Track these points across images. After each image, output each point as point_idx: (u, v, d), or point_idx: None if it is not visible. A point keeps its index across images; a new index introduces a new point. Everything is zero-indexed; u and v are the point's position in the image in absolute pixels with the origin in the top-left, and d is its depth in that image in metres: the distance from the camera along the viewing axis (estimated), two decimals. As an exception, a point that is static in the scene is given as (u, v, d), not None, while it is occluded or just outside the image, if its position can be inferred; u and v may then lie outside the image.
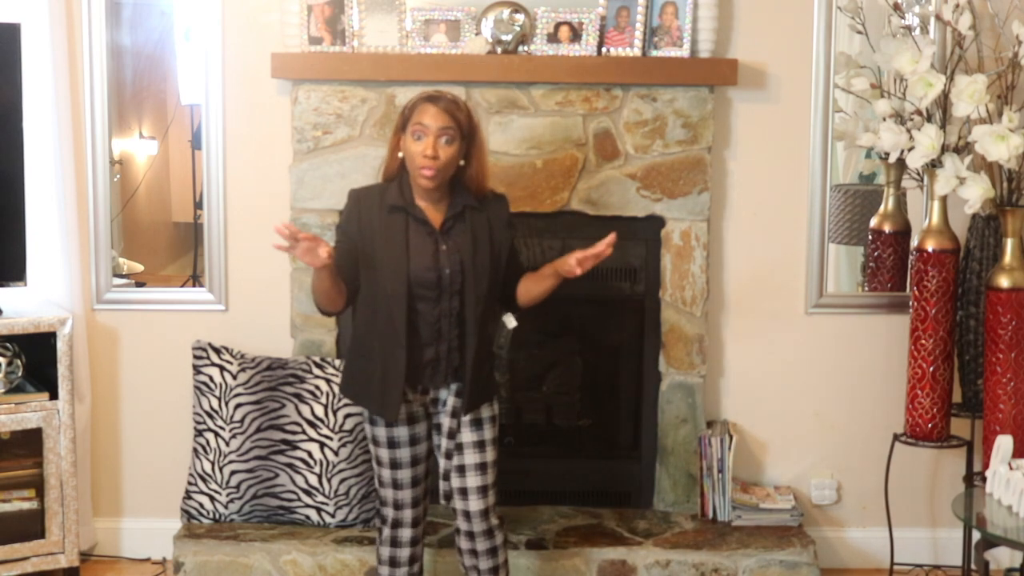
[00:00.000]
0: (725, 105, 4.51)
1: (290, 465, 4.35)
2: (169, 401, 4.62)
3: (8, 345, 4.28)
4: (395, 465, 3.72)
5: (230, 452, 4.37)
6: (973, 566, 4.22)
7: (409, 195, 3.62)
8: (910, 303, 4.36)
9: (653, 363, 4.56)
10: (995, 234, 4.32)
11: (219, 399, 4.39)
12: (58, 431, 4.30)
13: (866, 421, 4.66)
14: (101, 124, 4.51)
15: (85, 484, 4.56)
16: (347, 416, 4.34)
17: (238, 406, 4.37)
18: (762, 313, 4.63)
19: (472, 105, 3.88)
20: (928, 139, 4.13)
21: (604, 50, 4.38)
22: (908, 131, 4.20)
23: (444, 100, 3.57)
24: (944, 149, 4.17)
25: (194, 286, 4.70)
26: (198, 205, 4.70)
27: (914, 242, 4.41)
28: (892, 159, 4.33)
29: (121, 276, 4.69)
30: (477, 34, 4.39)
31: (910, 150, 4.18)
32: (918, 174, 4.45)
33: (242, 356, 4.45)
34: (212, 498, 4.40)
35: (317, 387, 4.36)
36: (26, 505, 4.34)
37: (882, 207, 4.63)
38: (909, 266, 4.51)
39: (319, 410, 4.35)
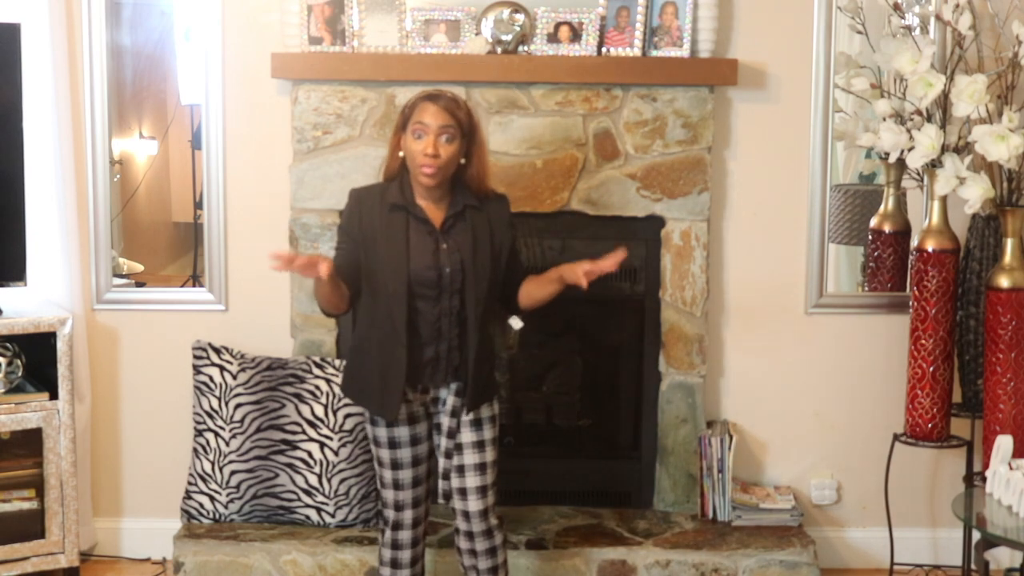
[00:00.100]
0: (725, 105, 4.51)
1: (290, 465, 4.35)
2: (169, 401, 4.62)
3: (8, 345, 4.28)
4: (396, 465, 3.72)
5: (230, 452, 4.37)
6: (973, 566, 4.22)
7: (410, 194, 3.62)
8: (910, 303, 4.36)
9: (653, 363, 4.56)
10: (995, 234, 4.32)
11: (219, 399, 4.39)
12: (58, 431, 4.30)
13: (866, 421, 4.66)
14: (101, 124, 4.51)
15: (85, 484, 4.56)
16: (347, 416, 4.34)
17: (238, 406, 4.37)
18: (762, 313, 4.63)
19: (472, 105, 3.88)
20: (928, 139, 4.13)
21: (604, 50, 4.38)
22: (908, 131, 4.20)
23: (444, 99, 3.58)
24: (944, 149, 4.17)
25: (194, 286, 4.70)
26: (198, 205, 4.70)
27: (914, 242, 4.41)
28: (892, 159, 4.33)
29: (121, 276, 4.69)
30: (477, 34, 4.39)
31: (910, 150, 4.18)
32: (918, 174, 4.45)
33: (242, 356, 4.45)
34: (212, 498, 4.40)
35: (317, 387, 4.36)
36: (26, 505, 4.34)
37: (882, 207, 4.63)
38: (909, 266, 4.51)
39: (319, 410, 4.35)
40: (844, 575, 4.68)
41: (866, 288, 4.70)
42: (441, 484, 3.74)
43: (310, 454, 4.34)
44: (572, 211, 4.45)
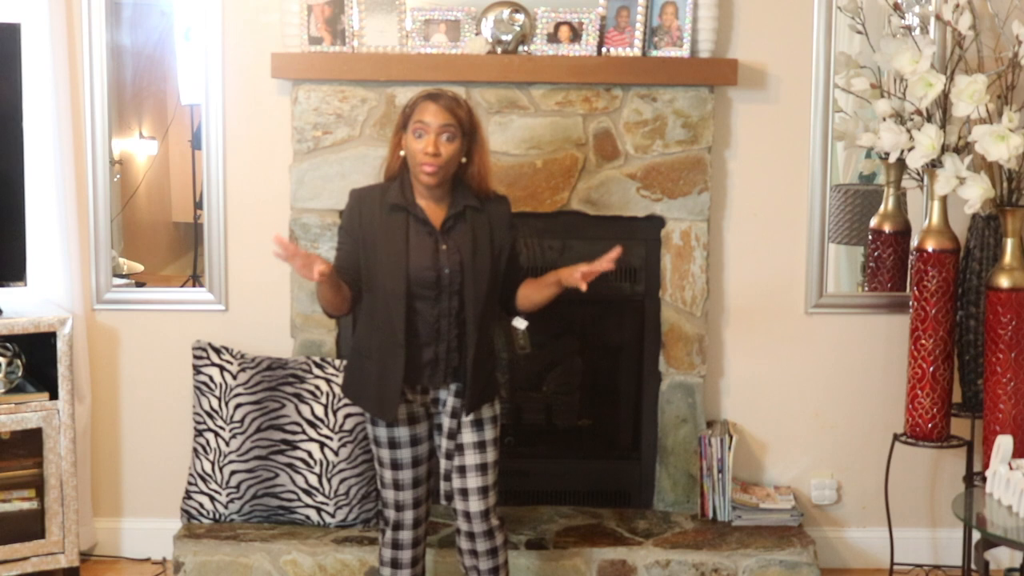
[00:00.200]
0: (725, 105, 4.51)
1: (290, 465, 4.35)
2: (169, 401, 4.62)
3: (8, 345, 4.28)
4: (396, 466, 3.72)
5: (230, 452, 4.37)
6: (973, 566, 4.22)
7: (410, 194, 3.62)
8: (910, 303, 4.36)
9: (653, 363, 4.56)
10: (995, 234, 4.32)
11: (219, 399, 4.39)
12: (58, 431, 4.30)
13: (866, 421, 4.66)
14: (101, 124, 4.51)
15: (85, 484, 4.56)
16: (347, 416, 4.34)
17: (238, 406, 4.37)
18: (762, 313, 4.63)
19: (472, 105, 3.88)
20: (928, 139, 4.13)
21: (604, 50, 4.38)
22: (908, 131, 4.20)
23: (445, 98, 3.58)
24: (944, 149, 4.17)
25: (194, 286, 4.70)
26: (198, 205, 4.70)
27: (914, 242, 4.41)
28: (892, 159, 4.33)
29: (121, 276, 4.69)
30: (477, 34, 4.39)
31: (910, 150, 4.18)
32: (918, 174, 4.45)
33: (242, 356, 4.45)
34: (212, 498, 4.40)
35: (317, 387, 4.36)
36: (26, 505, 4.34)
37: (882, 207, 4.63)
38: (909, 266, 4.51)
39: (319, 410, 4.35)
40: (844, 575, 4.68)
41: (866, 288, 4.70)
42: (442, 485, 3.75)
43: (310, 454, 4.34)
44: (572, 211, 4.45)
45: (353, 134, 4.40)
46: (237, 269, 4.59)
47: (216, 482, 4.39)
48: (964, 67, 4.25)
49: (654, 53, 4.38)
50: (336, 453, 4.33)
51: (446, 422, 3.70)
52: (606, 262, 3.58)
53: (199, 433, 4.42)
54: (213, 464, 4.39)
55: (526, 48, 4.39)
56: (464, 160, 3.61)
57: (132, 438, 4.68)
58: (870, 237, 4.66)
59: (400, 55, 4.35)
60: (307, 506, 4.36)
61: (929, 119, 4.20)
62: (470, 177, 3.64)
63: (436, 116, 3.53)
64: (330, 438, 4.34)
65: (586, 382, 4.86)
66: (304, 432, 4.35)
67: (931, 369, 4.27)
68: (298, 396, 4.36)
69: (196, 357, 4.45)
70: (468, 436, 3.70)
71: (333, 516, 4.36)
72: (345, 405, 4.32)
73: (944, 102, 4.19)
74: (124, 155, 4.74)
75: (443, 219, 3.62)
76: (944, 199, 4.27)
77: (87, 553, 4.62)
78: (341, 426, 4.34)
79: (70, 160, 4.45)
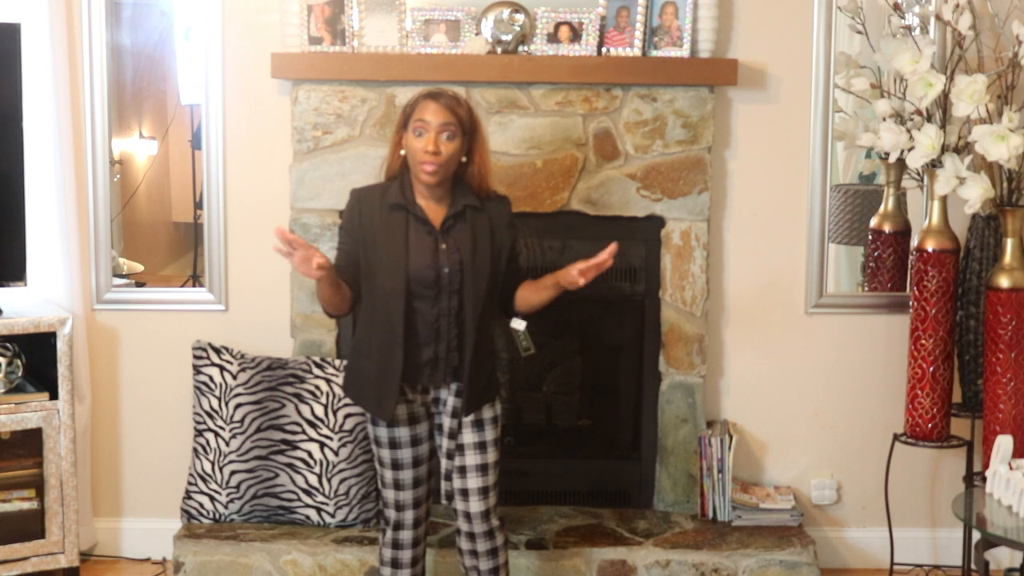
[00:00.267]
0: (725, 105, 4.51)
1: (290, 465, 4.35)
2: (169, 401, 4.62)
3: (8, 345, 4.28)
4: (396, 466, 3.72)
5: (230, 452, 4.37)
6: (973, 566, 4.22)
7: (410, 194, 3.62)
8: (910, 303, 4.36)
9: (653, 363, 4.56)
10: (995, 234, 4.32)
11: (219, 399, 4.39)
12: (58, 431, 4.30)
13: (866, 421, 4.66)
14: (101, 124, 4.51)
15: (85, 484, 4.56)
16: (347, 416, 4.34)
17: (238, 406, 4.37)
18: (762, 313, 4.63)
19: (472, 104, 3.88)
20: (928, 139, 4.13)
21: (604, 50, 4.38)
22: (908, 131, 4.20)
23: (445, 97, 3.58)
24: (944, 149, 4.17)
25: (194, 286, 4.70)
26: (198, 205, 4.70)
27: (914, 242, 4.41)
28: (892, 159, 4.33)
29: (121, 276, 4.69)
30: (477, 34, 4.39)
31: (910, 150, 4.18)
32: (918, 174, 4.45)
33: (242, 356, 4.45)
34: (212, 498, 4.40)
35: (317, 387, 4.36)
36: (26, 505, 4.34)
37: (882, 207, 4.63)
38: (909, 266, 4.51)
39: (319, 410, 4.35)
40: (844, 575, 4.68)
41: (866, 288, 4.70)
42: (443, 485, 3.75)
43: (310, 454, 4.34)
44: (572, 211, 4.45)
45: (353, 134, 4.40)
46: (237, 269, 4.59)
47: (216, 482, 4.39)
48: (964, 67, 4.25)
49: (654, 53, 4.38)
50: (336, 453, 4.33)
51: (446, 422, 3.70)
52: (604, 255, 3.57)
53: (199, 433, 4.42)
54: (213, 464, 4.39)
55: (526, 48, 4.39)
56: (464, 159, 3.61)
57: (132, 438, 4.68)
58: (870, 237, 4.66)
59: (400, 55, 4.35)
60: (307, 506, 4.36)
61: (929, 119, 4.20)
62: (470, 176, 3.64)
63: (436, 115, 3.53)
64: (330, 438, 4.34)
65: (586, 382, 4.86)
66: (304, 432, 4.35)
67: (931, 369, 4.27)
68: (298, 396, 4.36)
69: (196, 357, 4.45)
70: (469, 436, 3.70)
71: (333, 516, 4.36)
72: (345, 405, 4.32)
73: (944, 102, 4.19)
74: (124, 155, 4.74)
75: (443, 218, 3.62)
76: (944, 199, 4.27)
77: (87, 553, 4.62)
78: (341, 426, 4.34)
79: (70, 160, 4.45)
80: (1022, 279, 4.16)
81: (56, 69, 4.39)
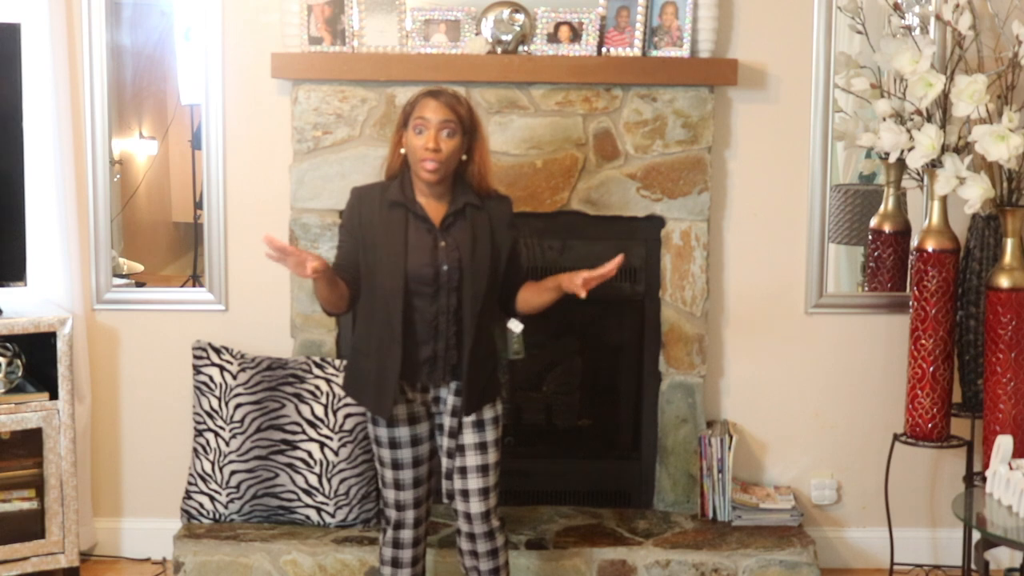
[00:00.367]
0: (725, 105, 4.51)
1: (290, 465, 4.35)
2: (169, 401, 4.62)
3: (8, 345, 4.28)
4: (396, 466, 3.72)
5: (230, 452, 4.37)
6: (973, 566, 4.22)
7: (410, 192, 3.62)
8: (910, 303, 4.36)
9: (653, 363, 4.56)
10: (995, 234, 4.33)
11: (219, 399, 4.39)
12: (58, 431, 4.30)
13: (866, 421, 4.66)
14: (101, 124, 4.51)
15: (85, 484, 4.56)
16: (347, 416, 4.34)
17: (238, 406, 4.37)
18: (762, 313, 4.63)
19: (472, 104, 3.88)
20: (928, 139, 4.13)
21: (604, 50, 4.38)
22: (908, 131, 4.20)
23: (445, 95, 3.59)
24: (944, 149, 4.17)
25: (194, 286, 4.70)
26: (198, 205, 4.70)
27: (914, 242, 4.41)
28: (892, 159, 4.33)
29: (121, 276, 4.69)
30: (477, 34, 4.39)
31: (910, 150, 4.18)
32: (918, 174, 4.45)
33: (242, 356, 4.45)
34: (212, 498, 4.40)
35: (317, 387, 4.36)
36: (26, 505, 4.34)
37: (882, 207, 4.63)
38: (909, 266, 4.51)
39: (319, 410, 4.35)
40: (844, 575, 4.68)
41: (866, 288, 4.70)
42: (444, 484, 3.75)
43: (310, 454, 4.34)
44: (572, 211, 4.45)
45: (353, 134, 4.40)
46: (237, 269, 4.59)
47: (216, 482, 4.39)
48: (964, 67, 4.25)
49: (654, 53, 4.38)
50: (336, 453, 4.33)
51: (447, 421, 3.70)
52: (608, 268, 3.57)
53: (199, 433, 4.42)
54: (213, 464, 4.39)
55: (526, 48, 4.39)
56: (464, 158, 3.62)
57: (132, 438, 4.68)
58: (870, 237, 4.66)
59: (400, 55, 4.35)
60: (307, 506, 4.36)
61: (929, 119, 4.20)
62: (471, 175, 3.64)
63: (436, 112, 3.54)
64: (330, 438, 4.34)
65: (586, 382, 4.86)
66: (304, 432, 4.35)
67: (931, 369, 4.27)
68: (298, 396, 4.36)
69: (196, 357, 4.45)
70: (469, 437, 3.70)
71: (333, 516, 4.36)
72: (345, 405, 4.32)
73: (944, 102, 4.19)
74: (124, 155, 4.74)
75: (443, 216, 3.62)
76: (944, 199, 4.27)
77: (87, 553, 4.62)
78: (341, 426, 4.34)
79: (70, 160, 4.45)
80: (1022, 279, 4.16)
81: (56, 69, 4.39)
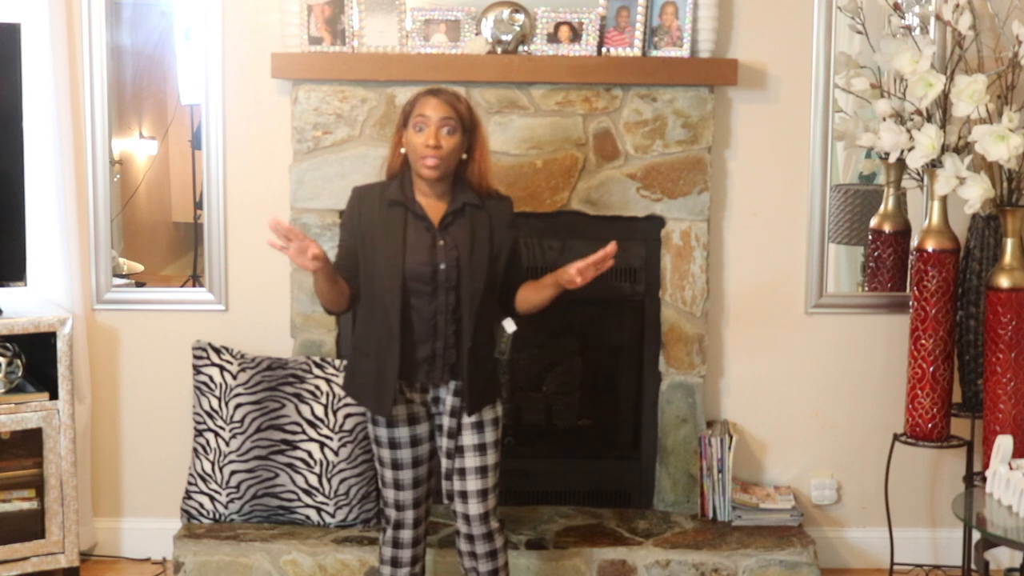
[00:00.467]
0: (725, 105, 4.51)
1: (290, 465, 4.35)
2: (169, 401, 4.62)
3: (8, 345, 4.28)
4: (396, 466, 3.72)
5: (230, 452, 4.37)
6: (973, 566, 4.22)
7: (410, 191, 3.62)
8: (910, 303, 4.36)
9: (653, 363, 4.56)
10: (995, 234, 4.33)
11: (219, 399, 4.39)
12: (58, 431, 4.30)
13: (866, 421, 4.66)
14: (101, 124, 4.51)
15: (85, 484, 4.56)
16: (347, 416, 4.34)
17: (238, 406, 4.37)
18: (762, 313, 4.63)
19: (472, 103, 3.88)
20: (928, 139, 4.13)
21: (604, 50, 4.38)
22: (908, 131, 4.20)
23: (445, 93, 3.60)
24: (944, 149, 4.17)
25: (194, 286, 4.70)
26: (198, 205, 4.70)
27: (914, 242, 4.41)
28: (892, 159, 4.33)
29: (121, 276, 4.69)
30: (477, 34, 4.39)
31: (910, 150, 4.18)
32: (918, 174, 4.45)
33: (242, 356, 4.45)
34: (212, 498, 4.40)
35: (317, 387, 4.36)
36: (26, 505, 4.34)
37: (882, 207, 4.63)
38: (909, 266, 4.51)
39: (319, 410, 4.35)
40: (844, 575, 4.68)
41: (866, 288, 4.70)
42: (444, 484, 3.74)
43: (310, 454, 4.34)
44: (572, 211, 4.45)
45: (353, 134, 4.40)
46: (237, 269, 4.59)
47: (216, 482, 4.39)
48: (964, 67, 4.25)
49: (654, 53, 4.38)
50: (336, 453, 4.33)
51: (446, 421, 3.70)
52: (599, 255, 3.57)
53: (199, 433, 4.42)
54: (213, 464, 4.39)
55: (526, 48, 4.39)
56: (464, 156, 3.62)
57: (132, 438, 4.68)
58: (870, 237, 4.66)
59: (400, 55, 4.35)
60: (307, 506, 4.36)
61: (929, 119, 4.20)
62: (470, 174, 3.64)
63: (437, 109, 3.54)
64: (330, 438, 4.34)
65: (586, 382, 4.86)
66: (304, 432, 4.35)
67: (931, 369, 4.27)
68: (298, 396, 4.36)
69: (196, 357, 4.45)
70: (468, 438, 3.69)
71: (333, 516, 4.36)
72: (345, 405, 4.32)
73: (944, 102, 4.19)
74: (124, 155, 4.74)
75: (442, 215, 3.62)
76: (944, 199, 4.27)
77: (87, 553, 4.63)
78: (341, 426, 4.34)
79: (70, 160, 4.45)
80: (1022, 279, 4.16)
81: (56, 69, 4.39)
